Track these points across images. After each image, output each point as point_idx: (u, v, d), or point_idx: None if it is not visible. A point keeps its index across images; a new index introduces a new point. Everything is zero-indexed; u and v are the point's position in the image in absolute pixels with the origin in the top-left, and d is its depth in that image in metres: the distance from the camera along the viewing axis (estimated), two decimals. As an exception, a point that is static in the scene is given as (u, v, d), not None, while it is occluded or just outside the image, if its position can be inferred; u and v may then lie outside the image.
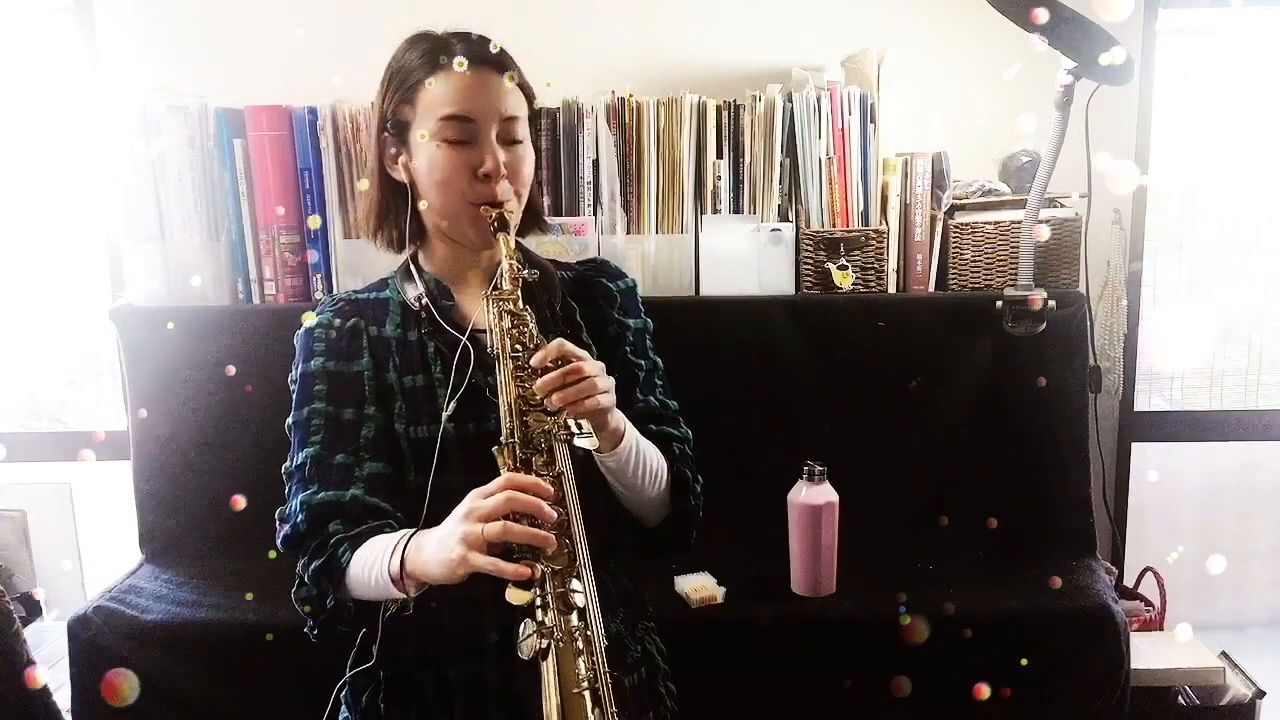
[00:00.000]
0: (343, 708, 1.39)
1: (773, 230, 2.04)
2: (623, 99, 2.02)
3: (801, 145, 2.03)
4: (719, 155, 2.04)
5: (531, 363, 1.21)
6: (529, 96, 1.37)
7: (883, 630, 1.77)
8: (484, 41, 1.34)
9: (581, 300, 1.44)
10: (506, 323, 1.24)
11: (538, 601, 1.09)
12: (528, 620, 1.08)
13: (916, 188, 2.05)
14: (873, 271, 2.05)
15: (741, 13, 2.25)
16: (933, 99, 2.21)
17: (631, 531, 1.41)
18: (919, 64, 2.18)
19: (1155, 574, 2.21)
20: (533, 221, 1.45)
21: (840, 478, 1.85)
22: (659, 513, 1.39)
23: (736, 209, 2.06)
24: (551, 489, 1.14)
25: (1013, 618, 1.80)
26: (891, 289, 2.07)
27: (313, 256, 2.05)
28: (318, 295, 2.06)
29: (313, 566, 1.26)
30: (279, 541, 1.31)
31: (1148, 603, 2.19)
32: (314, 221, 2.01)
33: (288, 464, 1.34)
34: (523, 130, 1.35)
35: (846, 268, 2.03)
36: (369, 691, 1.35)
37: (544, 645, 1.06)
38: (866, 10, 2.24)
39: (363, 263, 2.04)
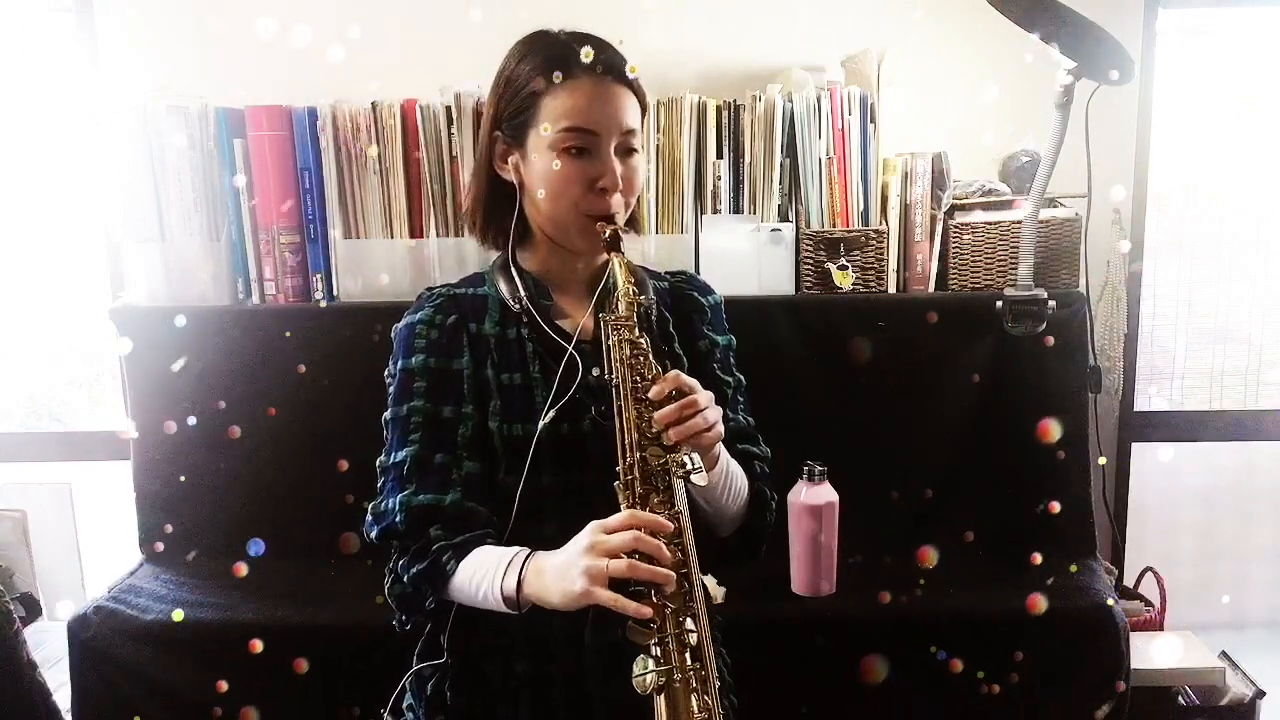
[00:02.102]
0: (408, 695, 1.42)
1: (773, 230, 2.04)
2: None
3: (801, 145, 2.03)
4: (719, 155, 2.04)
5: (650, 395, 1.21)
6: (643, 104, 1.37)
7: (883, 630, 1.77)
8: (609, 48, 1.33)
9: (674, 312, 1.46)
10: (625, 352, 1.24)
11: (655, 638, 1.10)
12: (643, 656, 1.10)
13: (916, 188, 2.05)
14: (873, 271, 2.05)
15: (741, 13, 2.25)
16: (933, 99, 2.21)
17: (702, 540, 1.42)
18: (919, 64, 2.17)
19: (1155, 574, 2.22)
20: (630, 225, 1.45)
21: (840, 478, 1.85)
22: (732, 526, 1.41)
23: (736, 209, 2.06)
24: (671, 527, 1.16)
25: (1013, 618, 1.80)
26: (891, 289, 2.07)
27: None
28: (318, 295, 2.06)
29: (414, 570, 1.27)
30: (373, 536, 1.33)
31: (1148, 603, 2.19)
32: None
33: (384, 459, 1.35)
34: (639, 141, 1.35)
35: (846, 268, 2.03)
36: (435, 680, 1.37)
37: (661, 682, 1.08)
38: (866, 10, 2.24)
39: (363, 263, 2.04)
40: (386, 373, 1.40)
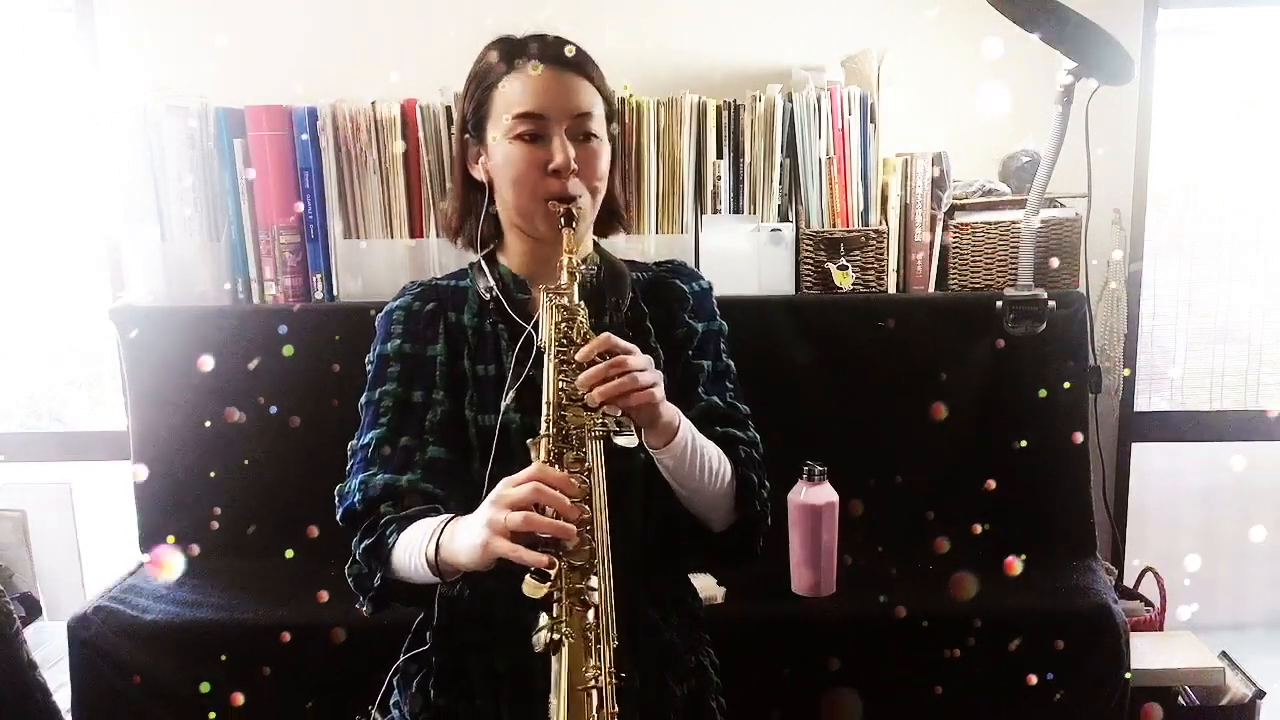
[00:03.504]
0: (394, 692, 1.42)
1: (773, 230, 2.04)
2: (622, 99, 2.02)
3: (801, 145, 2.03)
4: (719, 155, 2.04)
5: (576, 357, 1.21)
6: (605, 95, 1.39)
7: (883, 630, 1.77)
8: (559, 42, 1.36)
9: (653, 303, 1.45)
10: (557, 316, 1.25)
11: (554, 595, 1.09)
12: (543, 614, 1.09)
13: (916, 188, 2.05)
14: (873, 271, 2.05)
15: (741, 13, 2.25)
16: (933, 99, 2.21)
17: (695, 538, 1.40)
18: (919, 64, 2.18)
19: (1155, 574, 2.22)
20: (611, 220, 1.47)
21: (840, 478, 1.85)
22: (724, 517, 1.38)
23: (736, 209, 2.06)
24: (578, 485, 1.14)
25: (1013, 617, 1.80)
26: (891, 289, 2.07)
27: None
28: (318, 295, 2.06)
29: (363, 545, 1.29)
30: (338, 518, 1.35)
31: (1148, 603, 2.19)
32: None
33: (354, 442, 1.37)
34: (597, 127, 1.36)
35: (846, 268, 2.03)
36: (420, 677, 1.38)
37: (554, 639, 1.07)
38: (866, 10, 2.24)
39: (363, 263, 2.04)
40: (367, 359, 1.42)
